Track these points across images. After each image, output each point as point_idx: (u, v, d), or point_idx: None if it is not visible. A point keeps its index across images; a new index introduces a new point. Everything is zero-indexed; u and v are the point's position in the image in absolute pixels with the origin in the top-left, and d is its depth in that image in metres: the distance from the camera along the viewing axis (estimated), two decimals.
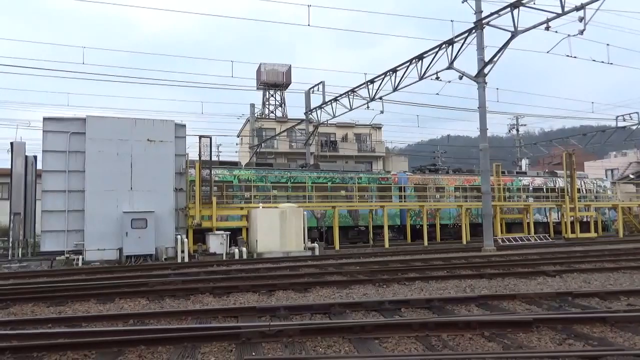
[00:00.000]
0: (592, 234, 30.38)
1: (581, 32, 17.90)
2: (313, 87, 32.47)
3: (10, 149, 20.07)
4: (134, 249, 18.90)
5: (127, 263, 18.37)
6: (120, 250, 18.88)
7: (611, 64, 23.73)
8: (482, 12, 20.42)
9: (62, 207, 18.90)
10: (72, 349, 5.51)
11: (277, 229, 20.65)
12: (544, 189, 33.60)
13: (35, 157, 20.65)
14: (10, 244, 19.27)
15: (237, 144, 50.26)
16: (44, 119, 19.45)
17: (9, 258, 18.69)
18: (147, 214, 19.25)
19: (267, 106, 48.27)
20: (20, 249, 19.27)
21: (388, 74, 24.93)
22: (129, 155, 19.73)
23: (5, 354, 5.36)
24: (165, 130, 20.42)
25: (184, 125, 21.33)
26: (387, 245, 24.65)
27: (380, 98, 26.26)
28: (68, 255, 18.40)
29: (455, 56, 21.20)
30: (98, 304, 9.02)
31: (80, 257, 18.33)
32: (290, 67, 46.64)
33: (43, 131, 19.24)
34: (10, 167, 19.91)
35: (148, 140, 20.04)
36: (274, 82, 46.64)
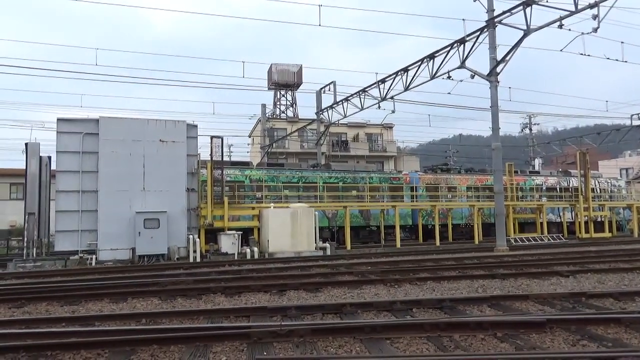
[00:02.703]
0: (607, 234, 30.07)
1: (595, 30, 17.75)
2: (324, 87, 32.47)
3: (24, 150, 20.29)
4: (147, 248, 19.05)
5: (139, 263, 18.51)
6: (133, 250, 19.04)
7: (626, 61, 23.52)
8: (494, 10, 20.28)
9: (76, 207, 19.12)
10: (86, 348, 5.56)
11: (289, 229, 20.68)
12: (558, 189, 33.30)
13: (49, 158, 20.85)
14: (25, 244, 19.48)
15: (248, 144, 50.49)
16: (58, 120, 19.67)
17: (24, 257, 18.89)
18: (159, 214, 19.38)
19: (279, 106, 48.37)
20: (34, 249, 19.46)
21: (399, 73, 24.84)
22: (141, 155, 19.89)
23: (20, 352, 5.42)
24: (177, 131, 20.55)
25: (196, 126, 21.46)
26: (398, 245, 24.60)
27: (392, 97, 26.19)
28: (82, 255, 18.60)
29: (467, 55, 21.10)
30: (111, 303, 9.10)
31: (94, 256, 18.51)
32: (301, 67, 46.67)
33: (57, 132, 19.48)
34: (25, 167, 20.13)
35: (160, 140, 20.18)
36: (285, 82, 46.70)
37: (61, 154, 19.39)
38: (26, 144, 20.34)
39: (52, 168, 20.68)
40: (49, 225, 20.66)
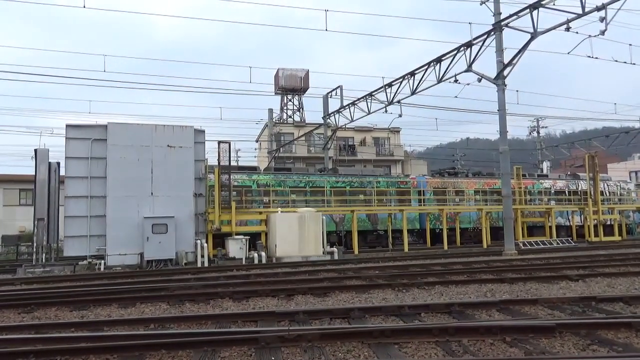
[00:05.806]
0: (616, 238, 29.82)
1: (602, 33, 17.64)
2: (331, 91, 32.48)
3: (34, 156, 20.45)
4: (155, 253, 19.11)
5: (148, 268, 18.57)
6: (141, 255, 19.10)
7: (634, 64, 23.37)
8: (500, 13, 20.24)
9: (85, 213, 19.22)
10: (94, 353, 5.58)
11: (296, 234, 20.67)
12: (566, 192, 33.09)
13: (58, 164, 20.98)
14: (35, 249, 19.60)
15: (255, 149, 50.62)
16: (67, 126, 19.81)
17: (33, 263, 19.01)
18: (167, 219, 19.45)
19: (285, 111, 48.53)
20: (44, 254, 19.57)
21: (406, 77, 24.83)
22: (149, 161, 19.99)
23: (30, 357, 5.44)
24: (184, 136, 20.65)
25: (203, 131, 21.53)
26: (406, 249, 24.53)
27: (399, 102, 26.16)
28: (90, 260, 18.69)
29: (474, 59, 21.04)
30: (119, 309, 9.13)
31: (102, 261, 18.59)
32: (307, 71, 46.84)
33: (66, 138, 19.60)
34: (34, 173, 20.28)
35: (168, 146, 20.28)
36: (291, 87, 46.87)
37: (70, 160, 19.51)
38: (35, 150, 20.49)
39: (61, 174, 20.83)
40: (58, 231, 20.77)
